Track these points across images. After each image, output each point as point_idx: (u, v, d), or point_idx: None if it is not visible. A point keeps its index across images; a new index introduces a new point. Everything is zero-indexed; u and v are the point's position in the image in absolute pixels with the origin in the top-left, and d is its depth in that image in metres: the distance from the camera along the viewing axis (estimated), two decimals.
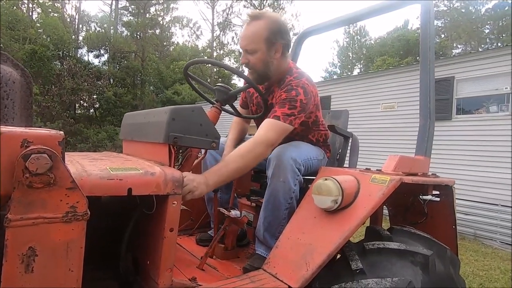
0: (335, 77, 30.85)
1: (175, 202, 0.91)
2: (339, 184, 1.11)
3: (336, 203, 1.11)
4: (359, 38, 34.24)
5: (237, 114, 1.69)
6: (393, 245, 1.19)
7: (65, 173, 0.56)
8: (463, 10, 26.08)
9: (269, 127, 1.29)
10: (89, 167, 0.80)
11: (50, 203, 0.55)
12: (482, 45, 24.66)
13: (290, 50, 1.52)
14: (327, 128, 1.70)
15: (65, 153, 1.19)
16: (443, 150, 5.96)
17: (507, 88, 5.22)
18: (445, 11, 27.01)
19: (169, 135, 1.00)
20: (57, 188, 0.56)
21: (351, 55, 35.05)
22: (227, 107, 1.57)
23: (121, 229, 0.99)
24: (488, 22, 25.42)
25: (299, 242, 1.15)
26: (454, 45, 27.10)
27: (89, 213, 0.60)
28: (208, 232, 1.73)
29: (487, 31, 25.90)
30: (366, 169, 1.35)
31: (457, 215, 6.31)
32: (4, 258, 0.52)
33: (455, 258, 1.42)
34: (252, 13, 1.42)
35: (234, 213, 1.45)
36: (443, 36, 27.52)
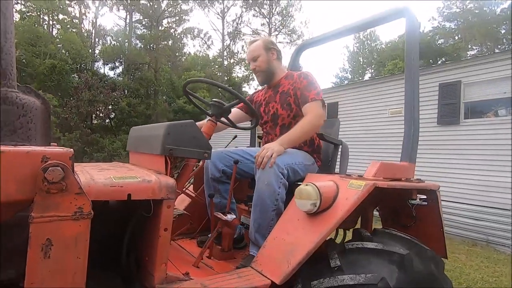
0: (346, 82, 30.73)
1: (169, 206, 1.05)
2: (318, 189, 1.23)
3: (315, 206, 1.22)
4: (369, 43, 34.08)
5: (232, 125, 1.84)
6: (371, 245, 1.29)
7: (74, 182, 0.72)
8: (476, 11, 25.52)
9: (314, 106, 1.72)
10: (97, 176, 0.96)
11: (62, 205, 0.70)
12: (499, 46, 24.01)
13: (282, 58, 2.00)
14: (317, 137, 1.83)
15: (80, 163, 1.37)
16: (452, 154, 5.91)
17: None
18: (458, 12, 26.49)
19: (165, 147, 1.15)
20: (68, 193, 0.71)
21: (361, 60, 34.88)
22: (223, 119, 1.72)
23: (124, 230, 1.15)
24: (504, 22, 24.74)
25: (283, 242, 1.27)
26: (470, 46, 26.52)
27: (92, 213, 0.75)
28: (208, 235, 1.86)
29: (503, 31, 25.19)
30: (347, 175, 1.46)
31: (469, 220, 6.18)
32: (28, 247, 0.68)
33: (437, 258, 1.49)
34: (251, 40, 2.02)
35: (230, 217, 1.58)
36: (456, 38, 27.00)
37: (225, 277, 1.15)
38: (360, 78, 31.41)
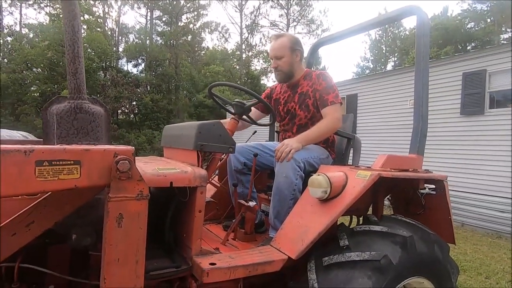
0: (367, 72, 29.91)
1: (202, 192, 1.28)
2: (328, 178, 1.41)
3: (326, 193, 1.40)
4: (392, 29, 32.77)
5: (253, 122, 2.04)
6: (377, 228, 1.45)
7: (136, 171, 0.95)
8: None
9: (333, 110, 1.83)
10: (145, 168, 1.20)
11: (129, 189, 0.94)
12: None
13: (304, 59, 2.10)
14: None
15: None
16: (476, 145, 5.79)
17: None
18: None
19: (197, 143, 1.37)
20: (132, 180, 0.95)
21: (384, 48, 33.70)
22: (245, 117, 1.93)
23: (165, 213, 1.39)
24: None
25: (298, 224, 1.47)
26: (503, 29, 24.81)
27: (149, 195, 0.99)
28: (232, 220, 2.09)
29: None
30: (357, 166, 1.62)
31: (493, 212, 6.06)
32: (106, 219, 0.93)
33: (441, 242, 1.61)
34: (276, 34, 2.03)
35: (252, 203, 1.79)
36: (489, 20, 25.33)
37: (249, 253, 1.37)
38: (383, 67, 30.42)
